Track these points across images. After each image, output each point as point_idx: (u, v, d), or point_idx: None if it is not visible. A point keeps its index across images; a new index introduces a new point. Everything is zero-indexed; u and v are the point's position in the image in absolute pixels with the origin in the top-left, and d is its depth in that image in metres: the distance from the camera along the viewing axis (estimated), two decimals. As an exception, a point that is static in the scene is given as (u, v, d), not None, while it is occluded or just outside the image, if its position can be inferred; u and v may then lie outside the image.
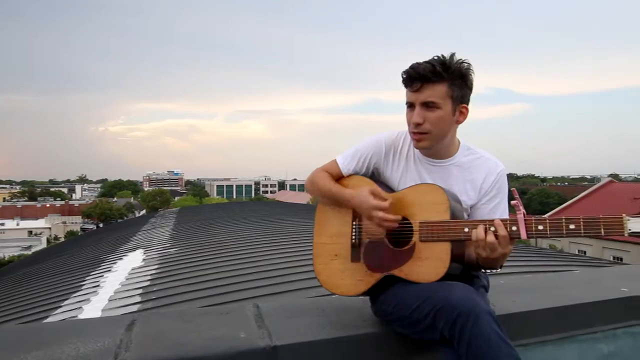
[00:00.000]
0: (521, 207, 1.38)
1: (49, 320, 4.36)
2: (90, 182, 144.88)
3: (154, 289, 4.79)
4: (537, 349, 1.71)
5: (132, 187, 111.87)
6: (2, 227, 50.19)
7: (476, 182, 1.57)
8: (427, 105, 1.47)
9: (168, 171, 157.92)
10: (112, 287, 5.24)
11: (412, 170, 1.60)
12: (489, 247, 1.37)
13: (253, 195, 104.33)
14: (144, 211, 58.56)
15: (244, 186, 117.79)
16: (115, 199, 77.42)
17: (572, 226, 1.33)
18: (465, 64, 1.48)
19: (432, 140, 1.52)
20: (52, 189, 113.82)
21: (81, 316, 4.30)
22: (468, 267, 1.53)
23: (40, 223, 54.00)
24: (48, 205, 73.24)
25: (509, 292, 1.96)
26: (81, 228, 52.58)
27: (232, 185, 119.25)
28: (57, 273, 7.51)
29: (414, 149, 1.59)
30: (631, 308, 1.91)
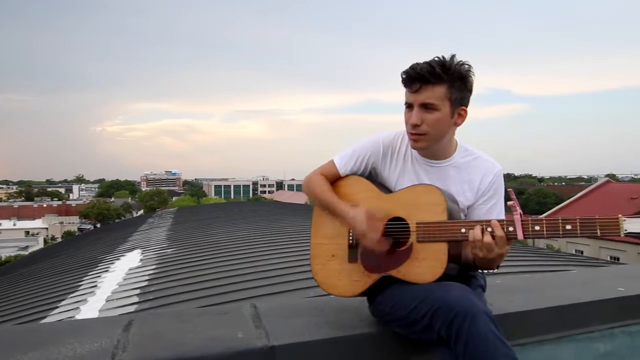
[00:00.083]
0: (518, 208, 1.38)
1: (46, 320, 4.34)
2: (88, 182, 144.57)
3: (152, 289, 4.78)
4: (534, 349, 1.72)
5: (130, 187, 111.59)
6: (-1, 228, 50.00)
7: (473, 182, 1.57)
8: (426, 107, 1.47)
9: (166, 171, 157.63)
10: (109, 287, 5.23)
11: (410, 171, 1.60)
12: (485, 247, 1.38)
13: (251, 195, 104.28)
14: (141, 211, 58.46)
15: (241, 186, 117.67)
16: (112, 199, 77.26)
17: (568, 227, 1.33)
18: (466, 66, 1.47)
19: (429, 141, 1.52)
20: (49, 189, 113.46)
21: (78, 317, 4.28)
22: (465, 268, 1.53)
23: (37, 223, 53.84)
24: (45, 206, 73.04)
25: (506, 292, 1.96)
26: (78, 228, 52.42)
27: (230, 186, 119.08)
28: (54, 273, 7.49)
29: (412, 150, 1.60)
30: (628, 308, 1.91)
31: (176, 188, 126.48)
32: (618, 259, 19.29)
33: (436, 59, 1.46)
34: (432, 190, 1.49)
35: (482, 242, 1.37)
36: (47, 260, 10.12)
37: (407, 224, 1.49)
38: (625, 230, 1.27)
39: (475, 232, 1.39)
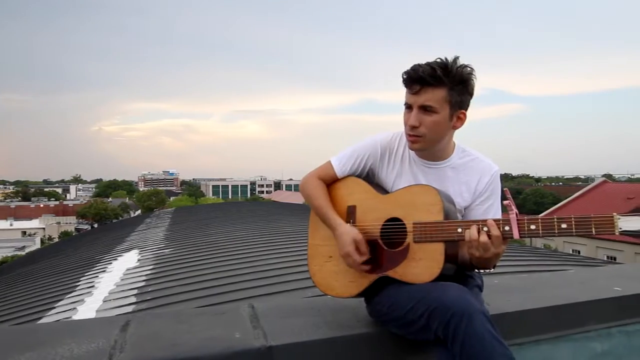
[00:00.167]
0: (513, 207, 1.39)
1: (43, 321, 4.33)
2: (85, 182, 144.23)
3: (149, 290, 4.78)
4: (531, 348, 1.72)
5: (127, 187, 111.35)
6: (-4, 228, 49.77)
7: (470, 183, 1.57)
8: (425, 109, 1.46)
9: (163, 171, 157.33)
10: (106, 287, 5.22)
11: (407, 172, 1.60)
12: (482, 247, 1.38)
13: (249, 195, 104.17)
14: (139, 211, 58.32)
15: (239, 186, 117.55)
16: (110, 199, 77.08)
17: (564, 225, 1.34)
18: (468, 69, 1.46)
19: (427, 143, 1.52)
20: (46, 189, 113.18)
21: (75, 317, 4.27)
22: (462, 268, 1.53)
23: (34, 223, 53.64)
24: (42, 206, 72.80)
25: (504, 291, 1.97)
26: (75, 228, 52.26)
27: (228, 186, 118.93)
28: (51, 274, 7.47)
29: (410, 151, 1.60)
30: (624, 307, 1.92)
31: (174, 188, 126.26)
32: (615, 259, 19.36)
33: (438, 60, 1.45)
34: (429, 190, 1.49)
35: (478, 241, 1.38)
36: (44, 260, 10.09)
37: (403, 224, 1.49)
38: (620, 228, 1.28)
39: (472, 232, 1.39)
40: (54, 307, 4.85)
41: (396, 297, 1.44)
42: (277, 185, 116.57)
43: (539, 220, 1.37)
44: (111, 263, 6.91)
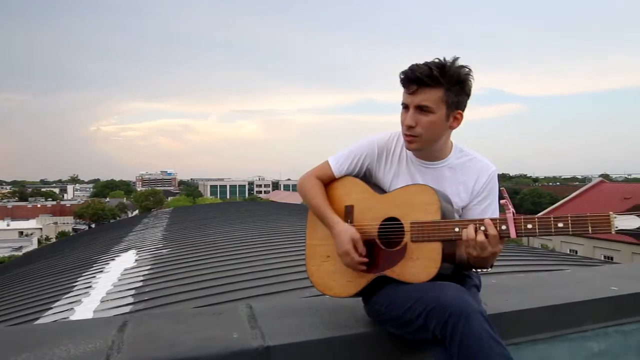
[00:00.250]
0: (510, 206, 1.39)
1: (40, 321, 4.32)
2: (82, 182, 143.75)
3: (147, 290, 4.77)
4: (528, 348, 1.72)
5: (125, 187, 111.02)
6: (-7, 228, 49.57)
7: (468, 183, 1.58)
8: (421, 109, 1.47)
9: (161, 171, 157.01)
10: (104, 288, 5.21)
11: (405, 172, 1.61)
12: (479, 246, 1.38)
13: (247, 195, 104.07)
14: (136, 211, 58.20)
15: (237, 186, 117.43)
16: (107, 199, 76.80)
17: (560, 224, 1.34)
18: (465, 70, 1.46)
19: (423, 143, 1.52)
20: (43, 189, 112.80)
21: (73, 317, 4.26)
22: (459, 267, 1.54)
23: (31, 224, 53.44)
24: (39, 206, 72.52)
25: (501, 291, 1.97)
26: (73, 229, 52.05)
27: (226, 186, 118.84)
28: (48, 274, 7.44)
29: (407, 151, 1.60)
30: (621, 307, 1.93)
31: (172, 188, 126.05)
32: (612, 259, 19.43)
33: (436, 61, 1.45)
34: (426, 190, 1.49)
35: (475, 240, 1.38)
36: (41, 260, 10.06)
37: (401, 224, 1.49)
38: (616, 227, 1.28)
39: (469, 231, 1.39)
40: (51, 308, 4.84)
41: (394, 296, 1.44)
42: (275, 185, 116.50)
43: (536, 220, 1.37)
44: (109, 263, 6.89)
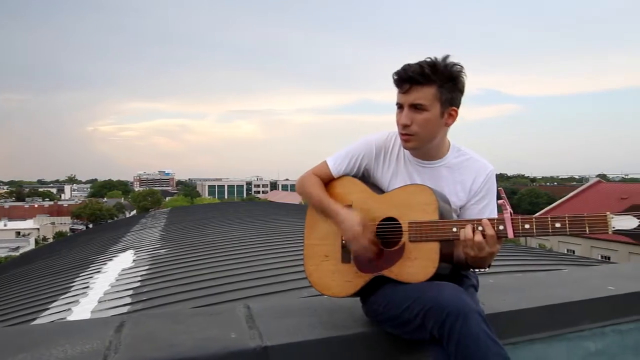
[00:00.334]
0: (508, 207, 1.39)
1: (37, 322, 4.31)
2: (80, 182, 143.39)
3: (145, 290, 4.76)
4: (525, 348, 1.73)
5: (123, 187, 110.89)
6: (-11, 228, 49.37)
7: (465, 183, 1.58)
8: (415, 107, 1.48)
9: (159, 171, 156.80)
10: (101, 288, 5.20)
11: (403, 172, 1.61)
12: (477, 246, 1.38)
13: (245, 195, 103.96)
14: (134, 211, 58.08)
15: (235, 186, 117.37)
16: (105, 199, 76.67)
17: (557, 224, 1.34)
18: (457, 67, 1.47)
19: (420, 141, 1.52)
20: (40, 189, 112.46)
21: (70, 318, 4.25)
22: (457, 267, 1.54)
23: (28, 224, 53.29)
24: (36, 206, 72.36)
25: (499, 291, 1.97)
26: (70, 229, 51.95)
27: (224, 186, 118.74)
28: (45, 274, 7.42)
29: (405, 150, 1.60)
30: (618, 306, 1.93)
31: (169, 188, 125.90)
32: (609, 258, 19.50)
33: (427, 59, 1.46)
34: (424, 189, 1.49)
35: (473, 240, 1.38)
36: (38, 261, 10.03)
37: (399, 224, 1.50)
38: (613, 227, 1.29)
39: (467, 231, 1.39)
40: (49, 308, 4.82)
41: (392, 296, 1.45)
42: (273, 186, 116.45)
43: (533, 220, 1.38)
44: (106, 264, 6.87)
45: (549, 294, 1.94)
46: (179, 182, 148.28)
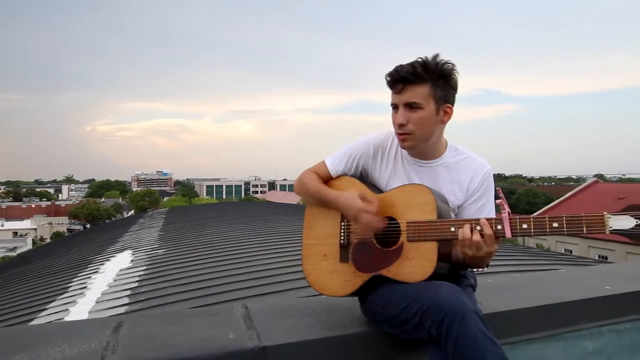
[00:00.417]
0: (506, 206, 1.40)
1: (34, 322, 4.29)
2: (77, 182, 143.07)
3: (142, 291, 4.75)
4: (523, 347, 1.73)
5: (120, 187, 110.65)
6: (-13, 228, 49.21)
7: (463, 182, 1.58)
8: (410, 106, 1.49)
9: (157, 171, 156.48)
10: (99, 288, 5.18)
11: (400, 171, 1.61)
12: (475, 246, 1.39)
13: (243, 195, 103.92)
14: (132, 212, 57.97)
15: (233, 186, 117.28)
16: (102, 199, 76.53)
17: (555, 224, 1.35)
18: (448, 65, 1.49)
19: (417, 140, 1.53)
20: (37, 189, 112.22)
21: (67, 318, 4.24)
22: (455, 267, 1.54)
23: (25, 224, 53.16)
24: (34, 206, 72.15)
25: (496, 290, 1.98)
26: (68, 229, 51.82)
27: (222, 186, 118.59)
28: (43, 275, 7.40)
29: (402, 150, 1.61)
30: (615, 306, 1.94)
31: (167, 188, 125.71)
32: (606, 258, 19.56)
33: (419, 59, 1.48)
34: (422, 189, 1.50)
35: (471, 240, 1.39)
36: (36, 261, 10.00)
37: (397, 223, 1.50)
38: (611, 227, 1.30)
39: (465, 231, 1.40)
40: (46, 309, 4.81)
41: (390, 296, 1.45)
42: (272, 186, 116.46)
43: (531, 219, 1.38)
44: (104, 264, 6.86)
45: (547, 294, 1.95)
46: (177, 182, 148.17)
